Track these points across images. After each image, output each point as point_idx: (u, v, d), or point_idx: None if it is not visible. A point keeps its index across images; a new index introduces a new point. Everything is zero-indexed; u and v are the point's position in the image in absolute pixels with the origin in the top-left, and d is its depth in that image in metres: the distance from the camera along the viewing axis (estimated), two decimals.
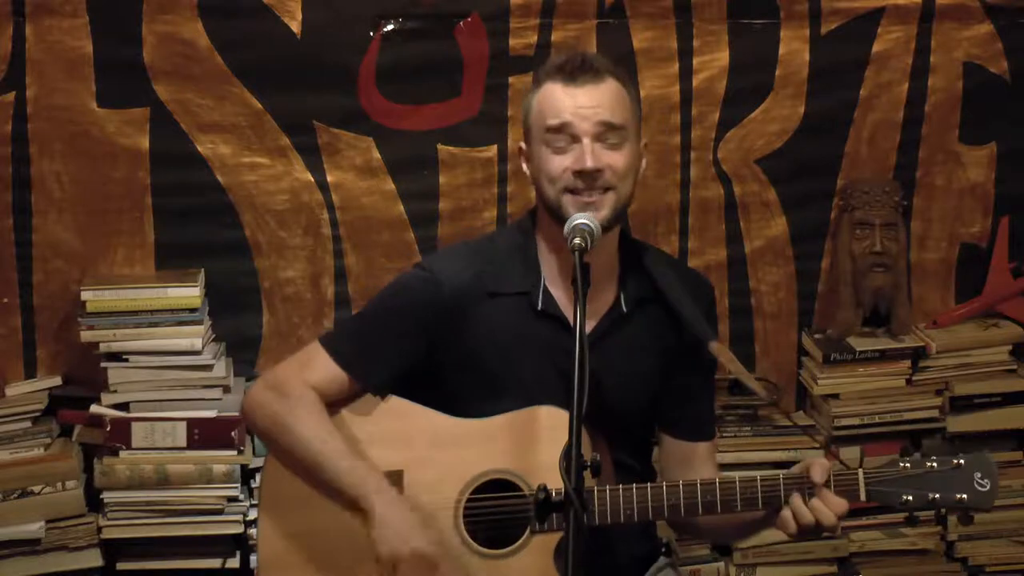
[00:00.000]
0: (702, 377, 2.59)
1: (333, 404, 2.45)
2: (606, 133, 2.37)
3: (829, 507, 2.31)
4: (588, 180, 2.36)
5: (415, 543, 2.30)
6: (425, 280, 2.46)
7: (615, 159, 2.38)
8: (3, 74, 3.38)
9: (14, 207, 3.45)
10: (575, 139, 2.37)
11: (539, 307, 2.44)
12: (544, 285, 2.46)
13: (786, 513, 2.34)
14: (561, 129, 2.37)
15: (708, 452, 2.59)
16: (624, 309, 2.48)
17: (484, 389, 2.44)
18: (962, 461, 2.30)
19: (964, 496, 2.28)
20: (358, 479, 2.36)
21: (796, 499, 2.32)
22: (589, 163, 2.35)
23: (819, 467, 2.33)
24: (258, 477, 3.31)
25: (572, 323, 2.41)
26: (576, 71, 2.39)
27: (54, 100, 3.40)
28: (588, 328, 2.39)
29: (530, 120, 2.44)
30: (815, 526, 2.31)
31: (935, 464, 2.30)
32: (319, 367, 2.45)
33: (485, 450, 2.39)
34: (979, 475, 2.29)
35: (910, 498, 2.29)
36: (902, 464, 2.31)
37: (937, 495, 2.29)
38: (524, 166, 2.49)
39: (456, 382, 2.46)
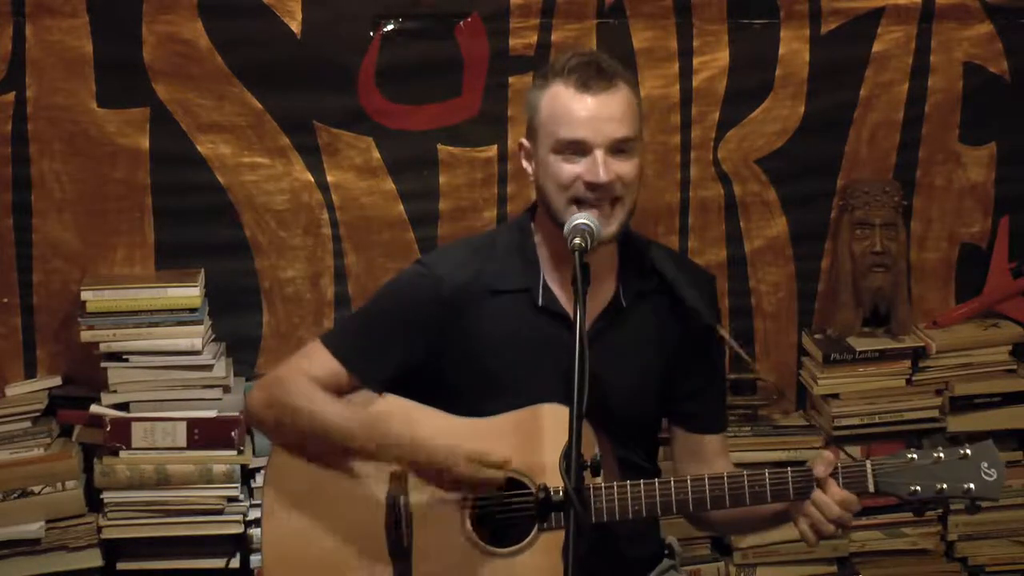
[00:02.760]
0: (710, 368, 2.58)
1: None
2: (618, 146, 2.37)
3: (832, 497, 2.30)
4: (600, 192, 2.35)
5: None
6: (424, 277, 2.46)
7: (624, 170, 2.37)
8: (3, 74, 3.38)
9: (14, 207, 3.45)
10: (587, 150, 2.36)
11: (539, 303, 2.44)
12: (544, 282, 2.46)
13: (802, 527, 2.34)
14: (574, 143, 2.36)
15: (719, 445, 2.59)
16: (623, 303, 2.47)
17: (485, 386, 2.44)
18: (968, 451, 2.31)
19: (971, 486, 2.29)
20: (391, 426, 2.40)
21: (806, 506, 2.32)
22: (603, 176, 2.34)
23: (821, 461, 2.33)
24: (258, 477, 3.32)
25: (572, 319, 2.43)
26: (591, 79, 2.36)
27: (54, 100, 3.40)
28: (587, 324, 2.40)
29: (538, 120, 2.41)
30: (826, 521, 2.30)
31: (942, 455, 2.31)
32: (319, 364, 2.45)
33: (491, 449, 2.39)
34: (986, 465, 2.30)
35: (918, 488, 2.30)
36: (909, 455, 2.31)
37: (945, 485, 2.29)
38: (525, 164, 2.48)
39: (457, 379, 2.46)
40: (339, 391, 2.45)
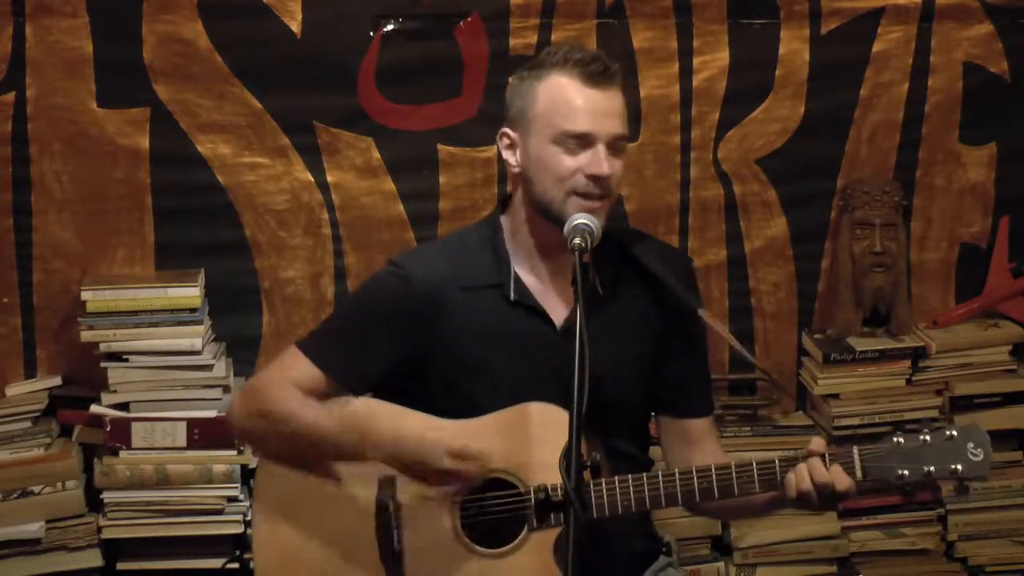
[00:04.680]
0: (693, 351, 2.57)
1: None
2: (617, 143, 2.40)
3: (813, 473, 2.30)
4: (600, 186, 2.37)
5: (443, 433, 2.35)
6: (398, 277, 2.46)
7: (618, 167, 2.40)
8: (3, 74, 3.39)
9: (14, 207, 3.46)
10: (590, 143, 2.37)
11: (512, 297, 2.44)
12: (515, 275, 2.46)
13: (787, 476, 2.33)
14: (581, 135, 2.37)
15: (707, 428, 2.59)
16: (601, 293, 2.47)
17: (466, 382, 2.43)
18: (954, 433, 2.31)
19: (959, 467, 2.29)
20: (369, 432, 2.38)
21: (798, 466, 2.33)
22: (607, 169, 2.36)
23: (815, 440, 2.35)
24: None
25: (548, 312, 2.43)
26: (597, 75, 2.38)
27: (54, 100, 3.41)
28: (563, 316, 2.43)
29: (533, 110, 2.40)
30: (809, 479, 2.30)
31: (928, 437, 2.31)
32: (298, 370, 2.43)
33: (477, 446, 2.38)
34: (971, 445, 2.30)
35: (906, 472, 2.30)
36: (895, 440, 2.32)
37: (932, 468, 2.30)
38: (507, 154, 2.46)
39: (438, 376, 2.45)
40: (319, 397, 2.43)
